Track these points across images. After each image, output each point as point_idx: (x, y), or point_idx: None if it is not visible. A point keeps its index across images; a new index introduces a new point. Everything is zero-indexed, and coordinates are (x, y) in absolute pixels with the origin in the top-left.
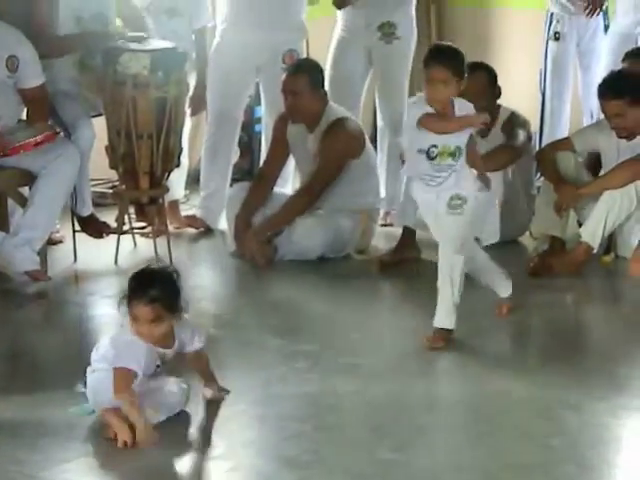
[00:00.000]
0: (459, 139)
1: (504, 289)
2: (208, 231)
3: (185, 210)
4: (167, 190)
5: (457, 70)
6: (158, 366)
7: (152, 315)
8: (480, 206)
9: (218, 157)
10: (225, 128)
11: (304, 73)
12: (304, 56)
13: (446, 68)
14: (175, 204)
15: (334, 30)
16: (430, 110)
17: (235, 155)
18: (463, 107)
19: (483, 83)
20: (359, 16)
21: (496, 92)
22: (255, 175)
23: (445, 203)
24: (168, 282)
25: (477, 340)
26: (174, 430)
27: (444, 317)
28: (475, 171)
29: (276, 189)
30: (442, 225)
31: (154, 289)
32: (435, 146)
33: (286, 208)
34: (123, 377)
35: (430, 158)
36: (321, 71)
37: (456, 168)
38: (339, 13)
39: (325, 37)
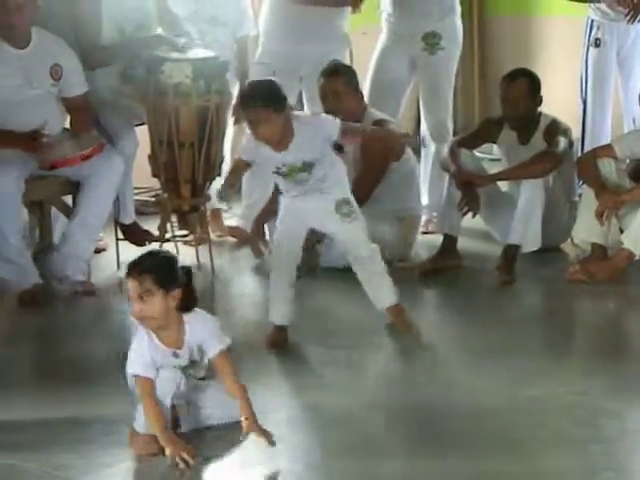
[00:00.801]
0: (303, 155)
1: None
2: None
3: (227, 218)
4: (209, 198)
5: (273, 104)
6: (202, 378)
7: (140, 289)
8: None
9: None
10: None
11: (341, 74)
12: None
13: (264, 107)
14: (217, 212)
15: (378, 39)
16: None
17: None
18: (304, 133)
19: (524, 90)
20: (404, 25)
21: (537, 100)
22: None
23: (334, 209)
24: (161, 258)
25: (516, 346)
26: (217, 437)
27: (392, 294)
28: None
29: None
30: (341, 234)
31: (143, 263)
32: (283, 164)
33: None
34: (139, 385)
35: (284, 176)
36: (355, 72)
37: (319, 177)
38: (384, 22)
39: (369, 46)
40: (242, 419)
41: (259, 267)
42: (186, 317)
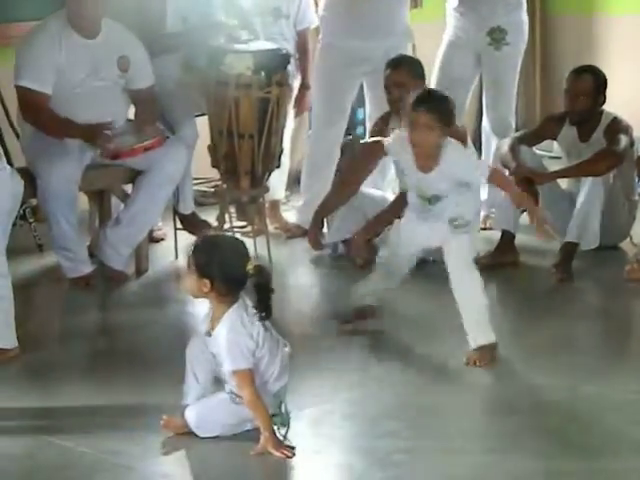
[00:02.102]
0: (438, 186)
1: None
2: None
3: (285, 211)
4: (267, 190)
5: (443, 117)
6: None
7: (186, 263)
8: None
9: (320, 164)
10: (328, 135)
11: (406, 65)
12: None
13: (432, 114)
14: (276, 204)
15: (443, 34)
16: (409, 153)
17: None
18: (453, 159)
19: (589, 85)
20: (469, 21)
21: (601, 98)
22: (342, 176)
23: (447, 224)
24: (207, 245)
25: (573, 344)
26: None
27: (483, 333)
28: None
29: (364, 189)
30: (448, 245)
31: (198, 241)
32: (416, 187)
33: (393, 208)
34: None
35: (417, 195)
36: (420, 63)
37: (440, 210)
38: (449, 17)
39: (431, 42)
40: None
41: (316, 259)
42: (227, 314)
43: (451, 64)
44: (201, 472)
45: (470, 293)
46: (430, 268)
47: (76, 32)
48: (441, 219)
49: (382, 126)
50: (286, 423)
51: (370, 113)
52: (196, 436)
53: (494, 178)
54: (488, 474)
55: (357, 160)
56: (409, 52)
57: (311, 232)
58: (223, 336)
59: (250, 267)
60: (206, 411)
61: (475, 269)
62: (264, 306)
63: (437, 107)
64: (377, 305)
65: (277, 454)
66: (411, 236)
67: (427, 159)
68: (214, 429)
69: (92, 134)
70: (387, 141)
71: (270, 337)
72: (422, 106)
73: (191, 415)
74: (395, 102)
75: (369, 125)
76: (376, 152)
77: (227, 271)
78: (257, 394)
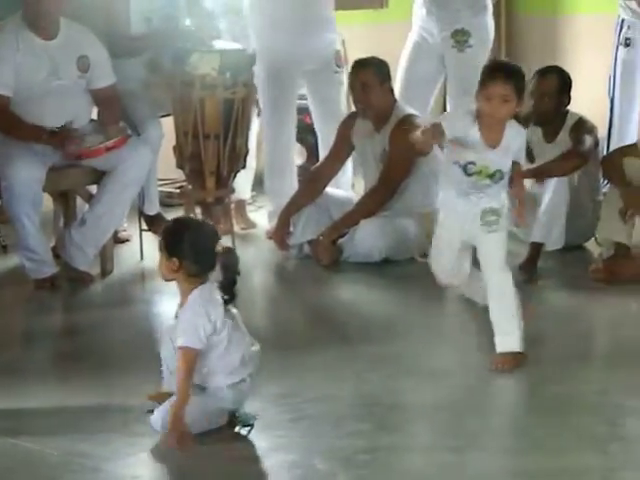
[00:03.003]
0: (501, 162)
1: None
2: None
3: (251, 211)
4: (233, 191)
5: (518, 89)
6: None
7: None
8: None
9: (279, 165)
10: (281, 136)
11: (373, 66)
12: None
13: (510, 86)
14: (242, 205)
15: (408, 35)
16: (475, 128)
17: (301, 157)
18: (513, 134)
19: (554, 86)
20: (434, 22)
21: (566, 98)
22: (310, 172)
23: (479, 218)
24: (176, 226)
25: (539, 344)
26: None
27: (506, 340)
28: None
29: (330, 189)
30: (481, 245)
31: (170, 223)
32: (473, 163)
33: (359, 207)
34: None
35: (467, 174)
36: (387, 65)
37: (493, 189)
38: (414, 18)
39: (397, 42)
40: None
41: (282, 260)
42: (192, 294)
43: (415, 65)
44: (167, 472)
45: (502, 297)
46: (393, 268)
47: (34, 33)
48: (495, 199)
49: (348, 127)
50: (247, 423)
51: (317, 116)
52: (158, 438)
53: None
54: (453, 473)
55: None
56: (340, 47)
57: (277, 233)
58: (188, 309)
59: (219, 248)
60: (167, 409)
61: (509, 270)
62: (229, 288)
63: (514, 78)
64: None
65: (171, 441)
66: (451, 226)
67: (497, 133)
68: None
69: (56, 139)
70: (445, 121)
71: (233, 327)
72: (499, 77)
73: (155, 419)
74: (360, 102)
75: (319, 127)
76: (434, 132)
77: (196, 250)
78: (190, 379)
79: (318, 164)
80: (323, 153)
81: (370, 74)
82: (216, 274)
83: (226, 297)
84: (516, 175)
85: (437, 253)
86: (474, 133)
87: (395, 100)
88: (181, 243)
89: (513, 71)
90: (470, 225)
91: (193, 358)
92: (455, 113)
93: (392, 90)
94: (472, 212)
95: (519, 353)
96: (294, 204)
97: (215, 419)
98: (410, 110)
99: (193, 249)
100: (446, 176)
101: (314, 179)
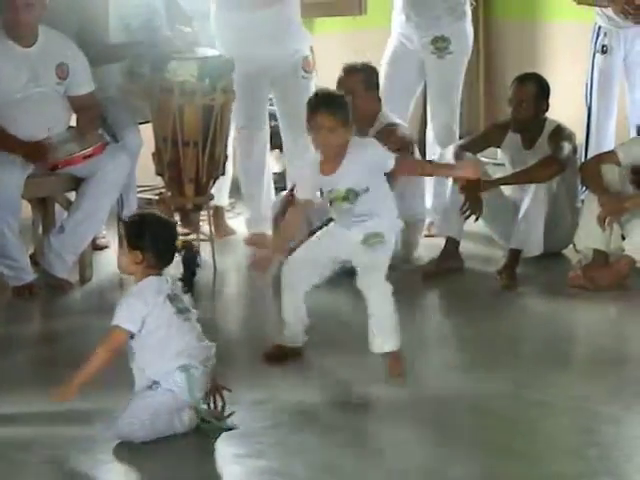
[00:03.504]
0: (347, 181)
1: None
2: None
3: (230, 218)
4: (212, 198)
5: (343, 117)
6: None
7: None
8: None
9: (253, 171)
10: (254, 142)
11: (360, 72)
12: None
13: (333, 115)
14: (220, 212)
15: (388, 41)
16: (318, 157)
17: (278, 163)
18: (355, 151)
19: (532, 93)
20: (413, 29)
21: (544, 105)
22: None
23: (360, 241)
24: (138, 221)
25: (513, 350)
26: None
27: (391, 339)
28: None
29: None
30: (364, 258)
31: (133, 217)
32: (329, 191)
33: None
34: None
35: (330, 203)
36: (376, 72)
37: (361, 210)
38: (393, 25)
39: (376, 48)
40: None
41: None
42: (139, 283)
43: (395, 71)
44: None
45: (383, 304)
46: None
47: (12, 41)
48: (361, 226)
49: None
50: (216, 430)
51: (284, 123)
52: (138, 444)
53: (401, 163)
54: (430, 479)
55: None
56: (308, 53)
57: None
58: (132, 290)
59: (179, 242)
60: (126, 413)
61: (386, 280)
62: (189, 281)
63: (335, 108)
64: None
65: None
66: (324, 241)
67: (333, 159)
68: (137, 430)
69: (33, 152)
70: (298, 193)
71: (180, 317)
72: (321, 108)
73: (119, 427)
74: None
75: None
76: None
77: (158, 243)
78: (110, 354)
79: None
80: (288, 159)
81: (356, 81)
82: (176, 268)
83: (186, 288)
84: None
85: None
86: (316, 166)
87: (380, 107)
88: (143, 236)
89: (334, 102)
90: (349, 247)
91: (119, 338)
92: (302, 167)
93: (379, 98)
94: (352, 237)
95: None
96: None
97: (179, 415)
98: (394, 119)
99: (155, 242)
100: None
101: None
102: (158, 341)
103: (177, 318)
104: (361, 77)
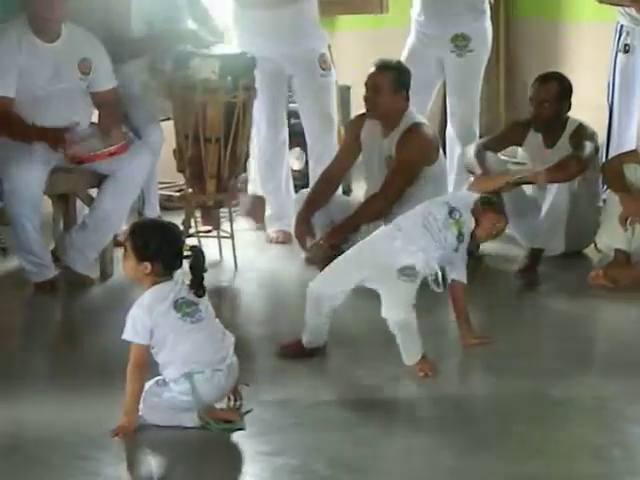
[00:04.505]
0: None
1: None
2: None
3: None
4: (234, 194)
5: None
6: None
7: (125, 247)
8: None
9: (271, 166)
10: (274, 139)
11: (391, 71)
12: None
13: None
14: (262, 201)
15: (407, 40)
16: None
17: (298, 161)
18: None
19: (554, 92)
20: (433, 27)
21: (566, 104)
22: (321, 174)
23: (397, 269)
24: (145, 229)
25: (537, 349)
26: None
27: (413, 354)
28: None
29: (339, 194)
30: (392, 287)
31: (134, 226)
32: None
33: (359, 212)
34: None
35: None
36: (408, 73)
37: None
38: (412, 23)
39: (397, 47)
40: None
41: (282, 264)
42: (144, 295)
43: (414, 69)
44: (165, 477)
45: (403, 332)
46: None
47: (36, 36)
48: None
49: (356, 129)
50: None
51: (306, 119)
52: (160, 442)
53: None
54: (454, 479)
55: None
56: (325, 51)
57: (298, 231)
58: (135, 303)
59: (186, 248)
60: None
61: (412, 310)
62: (197, 284)
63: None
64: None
65: (117, 430)
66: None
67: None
68: (148, 414)
69: (54, 139)
70: None
71: (179, 320)
72: None
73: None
74: (367, 102)
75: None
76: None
77: (165, 253)
78: (136, 371)
79: (330, 164)
80: (311, 157)
81: (385, 79)
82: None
83: (196, 291)
84: None
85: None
86: None
87: (407, 107)
88: (151, 247)
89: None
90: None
91: (138, 353)
92: None
93: (407, 98)
94: (390, 262)
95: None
96: (311, 203)
97: (179, 414)
98: (420, 118)
99: (162, 251)
100: None
101: (325, 178)
102: (169, 346)
103: (183, 323)
104: (392, 75)
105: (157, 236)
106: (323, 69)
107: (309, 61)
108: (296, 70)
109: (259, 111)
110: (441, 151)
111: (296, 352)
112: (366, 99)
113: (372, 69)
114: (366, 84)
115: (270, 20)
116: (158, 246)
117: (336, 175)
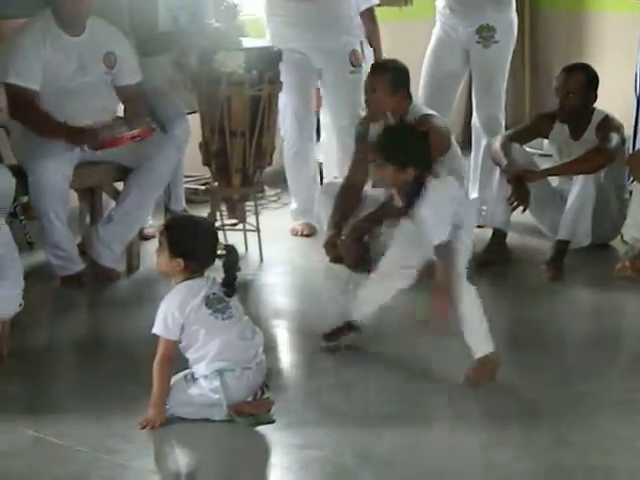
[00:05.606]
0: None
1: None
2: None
3: (276, 208)
4: (260, 189)
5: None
6: None
7: (158, 241)
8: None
9: (300, 159)
10: (302, 131)
11: (386, 73)
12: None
13: (376, 153)
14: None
15: (431, 31)
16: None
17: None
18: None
19: (580, 83)
20: (458, 18)
21: (592, 96)
22: (342, 182)
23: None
24: (182, 225)
25: (561, 342)
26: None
27: (481, 345)
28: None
29: (367, 189)
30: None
31: (171, 220)
32: None
33: (383, 207)
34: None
35: None
36: (405, 71)
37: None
38: (438, 14)
39: (422, 38)
40: None
41: (308, 258)
42: (176, 287)
43: (440, 61)
44: (193, 469)
45: (466, 308)
46: None
47: (61, 30)
48: None
49: (364, 130)
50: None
51: (330, 115)
52: (188, 434)
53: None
54: (482, 470)
55: None
56: (357, 47)
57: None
58: (165, 299)
59: (220, 247)
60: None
61: (467, 283)
62: (229, 283)
63: (380, 146)
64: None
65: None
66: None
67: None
68: (176, 407)
69: (76, 137)
70: None
71: (210, 316)
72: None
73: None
74: (368, 105)
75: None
76: None
77: (199, 251)
78: (164, 365)
79: (348, 172)
80: (340, 152)
81: (381, 81)
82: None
83: (227, 290)
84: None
85: None
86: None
87: (410, 102)
88: (186, 244)
89: (383, 140)
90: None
91: (167, 348)
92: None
93: (408, 95)
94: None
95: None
96: (338, 215)
97: (206, 409)
98: (426, 110)
99: (197, 250)
100: None
101: (347, 188)
102: (201, 342)
103: (214, 319)
104: (388, 77)
105: (193, 233)
106: (353, 65)
107: (341, 56)
108: (326, 64)
109: (286, 104)
110: (454, 142)
111: (342, 333)
112: (366, 102)
113: (368, 73)
114: (365, 87)
115: (306, 12)
116: (193, 243)
117: (357, 179)
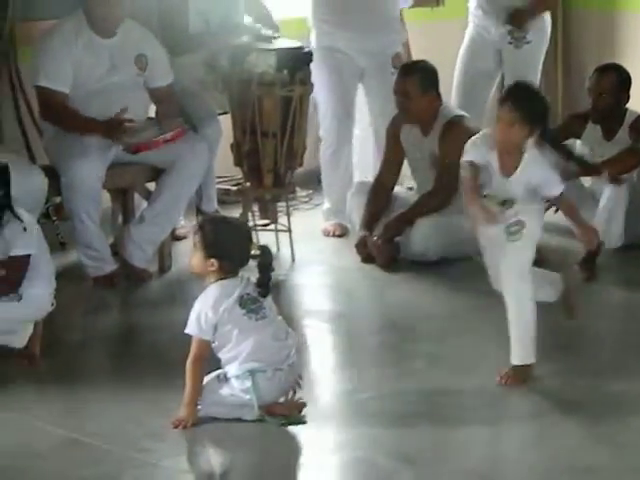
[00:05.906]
0: (513, 191)
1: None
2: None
3: (307, 209)
4: (292, 189)
5: (531, 116)
6: None
7: (193, 240)
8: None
9: (336, 160)
10: (340, 131)
11: (415, 74)
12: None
13: (516, 110)
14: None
15: (465, 31)
16: (493, 154)
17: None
18: (530, 165)
19: (612, 83)
20: (490, 19)
21: (625, 96)
22: (373, 183)
23: (503, 231)
24: (217, 226)
25: (598, 342)
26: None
27: (522, 353)
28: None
29: (397, 190)
30: (502, 254)
31: (206, 219)
32: (484, 187)
33: (416, 208)
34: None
35: (482, 195)
36: (434, 72)
37: (510, 212)
38: (470, 15)
39: (454, 39)
40: None
41: (340, 258)
42: (209, 287)
43: (473, 61)
44: (225, 469)
45: (518, 308)
46: (448, 268)
47: (94, 32)
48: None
49: (395, 132)
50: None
51: (372, 116)
52: (219, 434)
53: (563, 200)
54: (517, 470)
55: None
56: (400, 49)
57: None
58: (198, 300)
59: (254, 247)
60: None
61: (528, 280)
62: (264, 284)
63: (524, 104)
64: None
65: (177, 421)
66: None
67: (512, 161)
68: (208, 407)
69: (111, 129)
70: (471, 152)
71: (244, 317)
72: (508, 101)
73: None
74: (400, 108)
75: (374, 127)
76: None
77: (234, 251)
78: (197, 364)
79: (378, 172)
80: (378, 153)
81: (412, 83)
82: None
83: (261, 290)
84: (568, 214)
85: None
86: (493, 160)
87: (440, 103)
88: (220, 245)
89: (527, 97)
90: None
91: (200, 347)
92: (475, 141)
93: (438, 95)
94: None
95: (528, 367)
96: (369, 215)
97: (238, 410)
98: (457, 111)
99: (231, 250)
100: None
101: (378, 189)
102: (234, 342)
103: (248, 319)
104: (417, 79)
105: (227, 234)
106: (395, 67)
107: (384, 57)
108: (369, 64)
109: (327, 104)
110: None
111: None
112: (398, 105)
113: (397, 75)
114: (395, 90)
115: (352, 12)
116: (228, 244)
117: (387, 180)
